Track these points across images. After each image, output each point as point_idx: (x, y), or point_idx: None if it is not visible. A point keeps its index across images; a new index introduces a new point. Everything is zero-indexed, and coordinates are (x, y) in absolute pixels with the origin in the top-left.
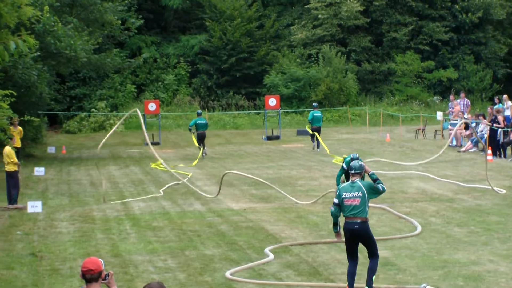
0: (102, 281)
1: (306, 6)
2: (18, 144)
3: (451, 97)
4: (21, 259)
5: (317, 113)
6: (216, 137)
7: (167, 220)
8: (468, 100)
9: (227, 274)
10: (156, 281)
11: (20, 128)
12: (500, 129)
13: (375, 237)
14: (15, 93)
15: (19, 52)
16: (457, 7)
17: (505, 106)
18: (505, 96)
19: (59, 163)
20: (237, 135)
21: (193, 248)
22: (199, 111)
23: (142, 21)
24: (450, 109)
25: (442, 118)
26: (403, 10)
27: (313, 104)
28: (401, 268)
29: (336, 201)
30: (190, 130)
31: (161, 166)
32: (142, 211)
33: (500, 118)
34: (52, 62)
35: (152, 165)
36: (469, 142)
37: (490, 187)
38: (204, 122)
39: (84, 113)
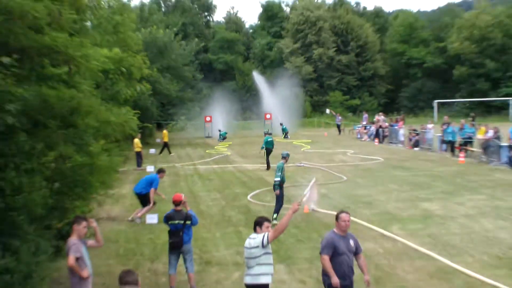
0: (182, 205)
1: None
2: (166, 139)
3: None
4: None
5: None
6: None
7: (215, 175)
8: (367, 115)
9: (249, 197)
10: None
11: (165, 132)
12: (380, 128)
13: None
14: (139, 112)
15: (142, 92)
16: (361, 68)
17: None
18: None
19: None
20: None
21: (229, 189)
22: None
23: (202, 75)
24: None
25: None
26: (334, 69)
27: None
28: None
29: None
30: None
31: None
32: (204, 171)
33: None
34: (157, 96)
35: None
36: (366, 136)
37: (380, 159)
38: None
39: (174, 122)
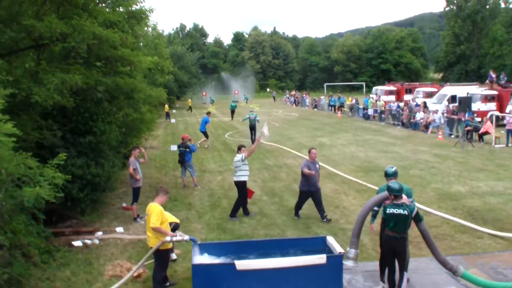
0: (186, 140)
1: None
2: (190, 104)
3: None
4: None
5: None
6: None
7: (223, 126)
8: (288, 91)
9: (226, 135)
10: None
11: (190, 100)
12: (296, 98)
13: None
14: (167, 90)
15: (168, 79)
16: (285, 67)
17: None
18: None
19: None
20: None
21: (215, 131)
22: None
23: (201, 71)
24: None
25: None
26: (271, 67)
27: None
28: None
29: None
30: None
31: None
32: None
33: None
34: (177, 82)
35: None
36: (288, 103)
37: (296, 115)
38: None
39: (186, 95)
